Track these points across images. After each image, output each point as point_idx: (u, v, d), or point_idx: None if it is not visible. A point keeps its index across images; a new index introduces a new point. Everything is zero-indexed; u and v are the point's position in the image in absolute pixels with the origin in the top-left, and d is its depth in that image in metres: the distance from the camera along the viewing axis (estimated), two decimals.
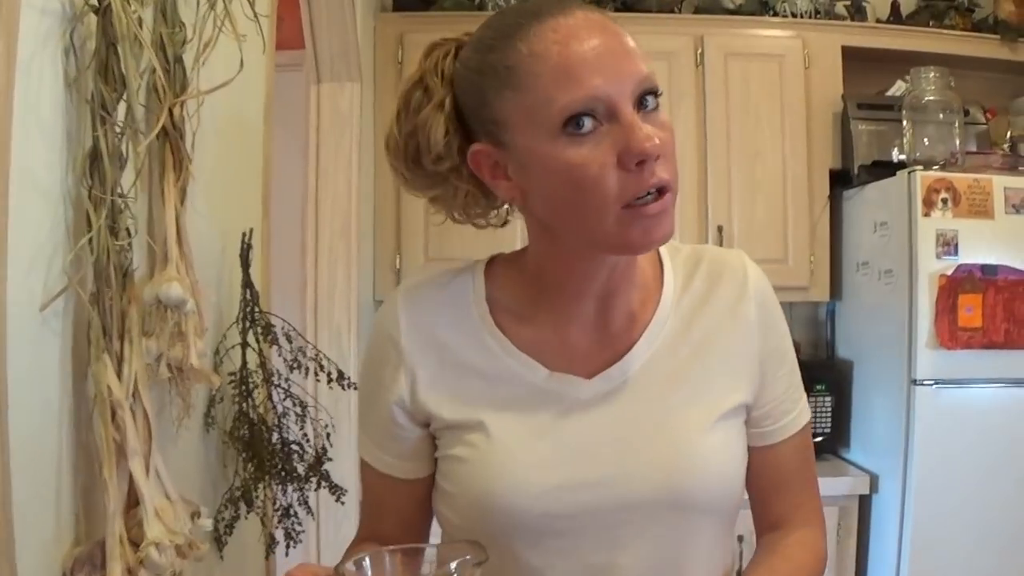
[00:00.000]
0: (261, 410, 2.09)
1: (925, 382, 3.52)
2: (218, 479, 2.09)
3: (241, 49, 1.76)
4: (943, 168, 3.65)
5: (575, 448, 1.31)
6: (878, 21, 4.44)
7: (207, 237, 1.97)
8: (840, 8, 4.40)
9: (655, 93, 1.22)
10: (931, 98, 3.84)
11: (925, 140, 3.81)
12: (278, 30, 4.03)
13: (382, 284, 4.09)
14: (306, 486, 2.16)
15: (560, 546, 1.31)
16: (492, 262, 1.44)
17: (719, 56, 4.17)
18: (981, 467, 3.52)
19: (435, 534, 1.44)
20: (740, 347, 1.40)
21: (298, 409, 2.16)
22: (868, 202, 3.99)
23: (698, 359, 1.38)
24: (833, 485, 3.75)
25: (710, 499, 1.34)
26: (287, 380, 2.17)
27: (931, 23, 4.37)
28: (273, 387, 2.14)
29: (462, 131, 1.31)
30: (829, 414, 4.03)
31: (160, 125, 1.55)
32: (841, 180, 4.19)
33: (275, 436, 2.12)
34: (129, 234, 1.48)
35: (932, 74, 3.86)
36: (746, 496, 1.45)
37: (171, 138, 1.65)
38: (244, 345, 2.07)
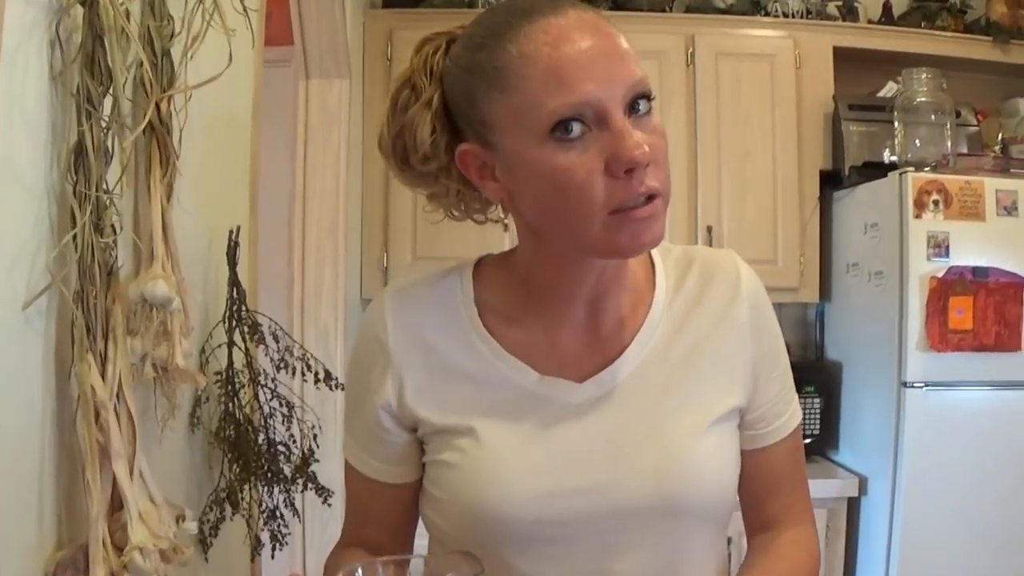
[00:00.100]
0: (247, 410, 2.06)
1: (915, 384, 3.50)
2: (203, 480, 2.06)
3: (230, 44, 1.73)
4: (934, 170, 3.63)
5: (566, 454, 1.29)
6: (870, 22, 4.42)
7: (193, 234, 1.94)
8: (832, 8, 4.39)
9: (647, 97, 1.19)
10: (923, 99, 3.83)
11: (917, 141, 3.81)
12: (268, 26, 4.00)
13: (369, 283, 4.07)
14: (292, 488, 2.13)
15: (552, 553, 1.28)
16: (480, 263, 1.41)
17: (710, 56, 4.15)
18: (971, 470, 3.50)
19: (421, 533, 1.42)
20: (733, 349, 1.38)
21: (285, 410, 2.13)
22: (859, 203, 3.97)
23: (691, 362, 1.35)
24: (822, 487, 3.74)
25: (704, 505, 1.31)
26: (273, 380, 2.14)
27: (923, 24, 4.36)
28: (260, 387, 2.11)
29: (451, 129, 1.28)
30: (818, 416, 4.02)
31: (147, 120, 1.51)
32: (832, 181, 4.18)
33: (261, 437, 2.09)
34: (114, 231, 1.45)
35: (924, 75, 3.85)
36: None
37: (158, 133, 1.62)
38: (230, 344, 2.04)
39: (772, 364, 1.42)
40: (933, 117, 3.83)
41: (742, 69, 4.15)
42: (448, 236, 3.70)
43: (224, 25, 1.68)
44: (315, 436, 2.19)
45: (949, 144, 3.79)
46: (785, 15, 4.28)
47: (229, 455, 2.02)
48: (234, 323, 2.05)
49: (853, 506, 3.81)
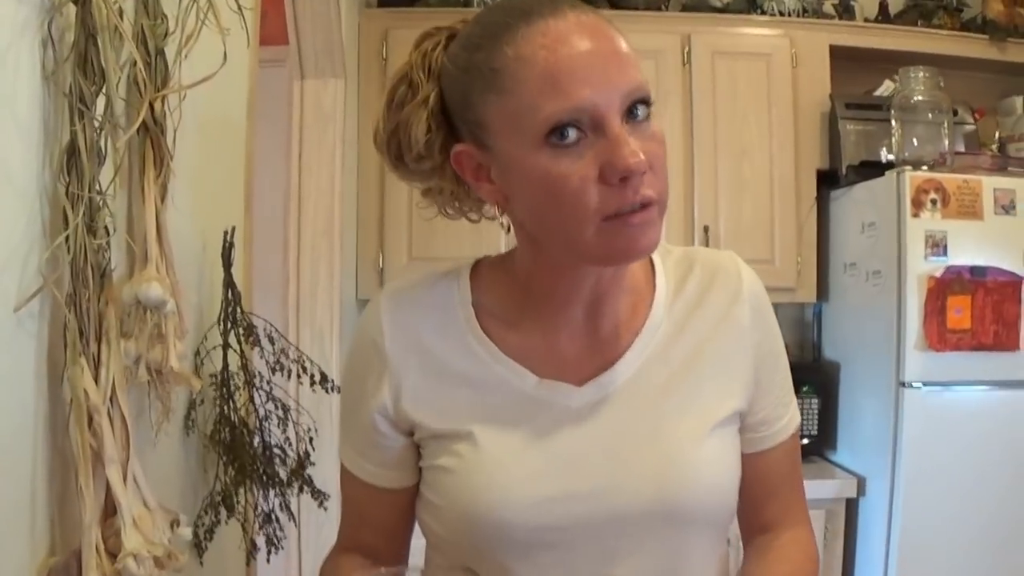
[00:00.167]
0: (242, 413, 2.04)
1: (914, 384, 3.49)
2: (198, 484, 2.04)
3: (224, 43, 1.71)
4: (932, 168, 3.62)
5: (566, 459, 1.27)
6: (866, 20, 4.42)
7: (188, 235, 1.92)
8: (828, 7, 4.38)
9: (646, 102, 1.17)
10: (920, 98, 3.82)
11: (914, 140, 3.79)
12: (262, 25, 3.99)
13: (365, 283, 4.05)
14: (288, 491, 2.11)
15: (550, 559, 1.26)
16: (478, 265, 1.39)
17: (706, 55, 4.14)
18: (970, 470, 3.49)
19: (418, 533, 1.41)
20: (734, 352, 1.36)
21: (280, 412, 2.11)
22: (856, 202, 3.96)
23: (692, 365, 1.33)
24: (820, 488, 3.73)
25: (705, 511, 1.30)
26: (269, 383, 2.12)
27: (919, 22, 4.35)
28: (255, 390, 2.09)
29: (447, 129, 1.26)
30: (816, 416, 4.01)
31: (140, 120, 1.50)
32: (829, 180, 4.17)
33: (256, 440, 2.07)
34: (107, 232, 1.42)
35: (921, 74, 3.84)
36: None
37: (152, 133, 1.60)
38: (225, 347, 2.02)
39: (773, 367, 1.41)
40: (930, 116, 3.82)
41: (738, 68, 4.14)
42: (444, 236, 3.74)
43: (219, 24, 1.66)
44: (311, 439, 2.17)
45: (946, 143, 3.78)
46: (781, 14, 4.27)
47: (224, 458, 2.00)
48: (229, 325, 2.03)
49: (851, 507, 3.80)
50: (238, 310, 2.05)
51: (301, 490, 2.14)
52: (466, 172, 1.25)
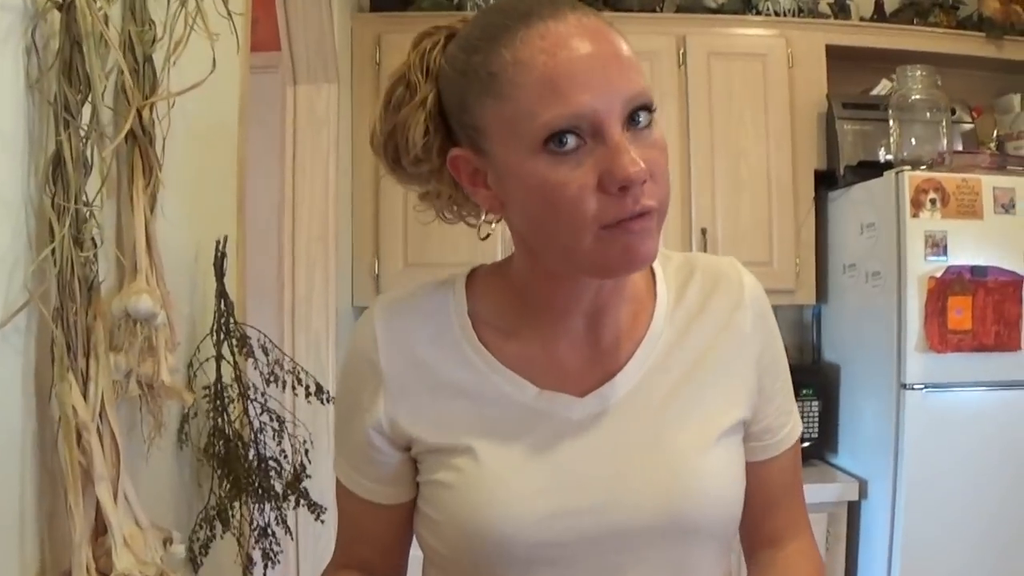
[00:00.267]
0: (237, 425, 2.00)
1: (915, 386, 3.46)
2: (193, 498, 2.00)
3: (214, 49, 1.68)
4: (930, 168, 3.60)
5: (568, 472, 1.23)
6: (862, 19, 4.40)
7: (179, 245, 1.89)
8: (824, 6, 4.35)
9: (648, 108, 1.13)
10: (918, 97, 3.79)
11: (912, 140, 3.77)
12: (254, 31, 3.97)
13: (361, 290, 4.01)
14: (284, 504, 2.08)
15: (552, 575, 1.23)
16: (474, 274, 1.35)
17: (702, 56, 4.11)
18: (973, 472, 3.46)
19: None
20: (737, 360, 1.33)
21: (275, 424, 2.08)
22: (854, 203, 3.93)
23: (694, 374, 1.30)
24: (821, 491, 3.70)
25: (711, 523, 1.26)
26: (263, 394, 2.09)
27: (915, 21, 4.33)
28: (249, 401, 2.05)
29: (445, 131, 1.23)
30: (816, 419, 3.97)
31: (127, 128, 1.46)
32: (826, 181, 4.14)
33: (251, 452, 2.04)
34: (95, 244, 1.39)
35: (919, 72, 3.81)
36: None
37: (140, 142, 1.57)
38: (219, 358, 1.99)
39: (775, 374, 1.38)
40: (928, 115, 3.80)
41: (734, 69, 4.11)
42: (440, 242, 3.72)
43: (207, 30, 1.62)
44: (306, 451, 2.14)
45: (945, 142, 3.75)
46: (777, 14, 4.24)
47: (219, 472, 1.97)
48: (222, 336, 1.99)
49: (853, 510, 3.77)
50: (231, 320, 2.01)
51: (297, 503, 2.11)
52: (463, 177, 1.22)
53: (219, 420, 1.96)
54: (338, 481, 1.38)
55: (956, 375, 3.48)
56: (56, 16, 1.36)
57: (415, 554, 1.39)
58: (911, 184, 3.49)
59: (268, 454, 2.08)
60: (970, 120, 4.28)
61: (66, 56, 1.35)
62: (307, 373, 2.14)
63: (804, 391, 3.89)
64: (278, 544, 2.09)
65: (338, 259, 3.79)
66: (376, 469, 1.32)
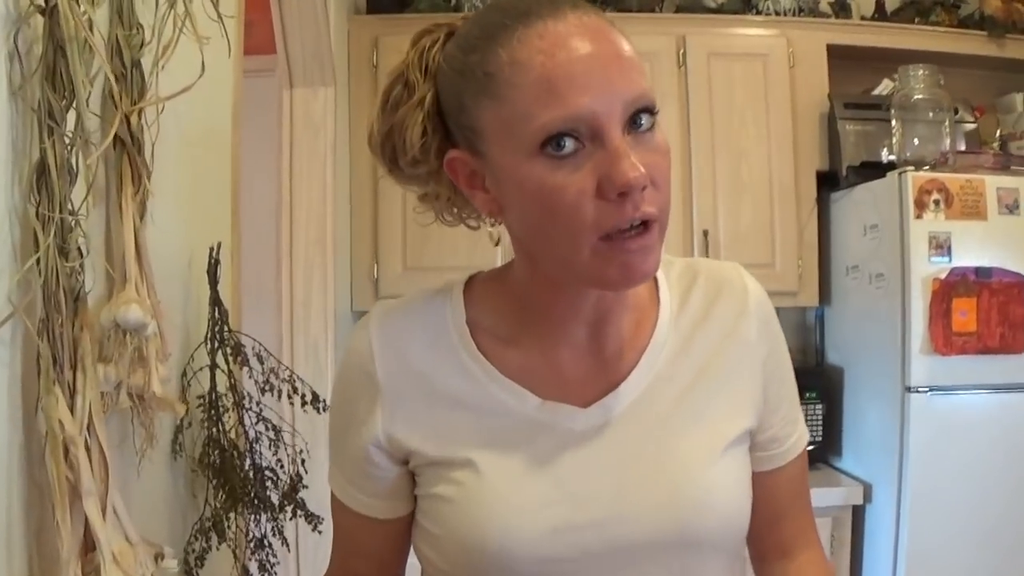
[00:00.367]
0: (232, 435, 1.97)
1: (919, 389, 3.43)
2: (188, 509, 1.97)
3: (204, 52, 1.64)
4: (933, 168, 3.57)
5: (571, 486, 1.20)
6: (863, 18, 4.37)
7: (172, 252, 1.86)
8: (824, 6, 4.33)
9: (651, 111, 1.10)
10: (920, 96, 3.76)
11: (915, 140, 3.74)
12: (250, 35, 3.95)
13: (360, 294, 3.99)
14: (280, 515, 2.04)
15: None
16: (471, 281, 1.32)
17: (702, 56, 4.08)
18: (978, 476, 3.43)
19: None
20: (743, 368, 1.30)
21: (271, 434, 2.04)
22: (857, 204, 3.90)
23: (699, 383, 1.27)
24: (825, 495, 3.66)
25: (718, 537, 1.23)
26: (258, 403, 2.05)
27: (917, 20, 4.31)
28: (244, 411, 2.02)
29: (444, 132, 1.19)
30: (820, 422, 3.94)
31: (112, 135, 1.43)
32: (829, 182, 4.11)
33: (247, 462, 2.00)
34: (80, 254, 1.35)
35: (921, 72, 3.79)
36: None
37: (128, 149, 1.53)
38: (213, 367, 1.95)
39: (781, 382, 1.35)
40: (931, 114, 3.77)
41: (735, 69, 4.08)
42: (439, 245, 3.69)
43: (196, 33, 1.59)
44: (303, 461, 2.10)
45: (948, 142, 3.72)
46: (777, 13, 4.22)
47: (214, 482, 1.93)
48: (216, 344, 1.96)
49: (858, 515, 3.74)
50: (225, 328, 1.98)
51: (294, 514, 2.07)
52: (460, 179, 1.19)
53: (214, 430, 1.93)
54: (333, 495, 1.35)
55: (961, 378, 3.45)
56: (40, 21, 1.33)
57: (412, 562, 1.36)
58: (914, 185, 3.46)
59: (264, 464, 2.05)
60: (972, 120, 4.26)
61: (50, 61, 1.32)
62: (303, 382, 2.11)
63: (807, 394, 3.85)
64: (275, 556, 2.05)
65: (336, 263, 3.76)
66: (373, 483, 1.29)
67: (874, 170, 3.82)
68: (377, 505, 1.30)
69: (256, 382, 2.07)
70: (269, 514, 2.01)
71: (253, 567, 2.06)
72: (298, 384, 2.09)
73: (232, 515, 1.96)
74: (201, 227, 2.06)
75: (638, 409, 1.24)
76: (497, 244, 1.27)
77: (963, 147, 4.01)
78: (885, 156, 3.90)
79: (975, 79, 4.37)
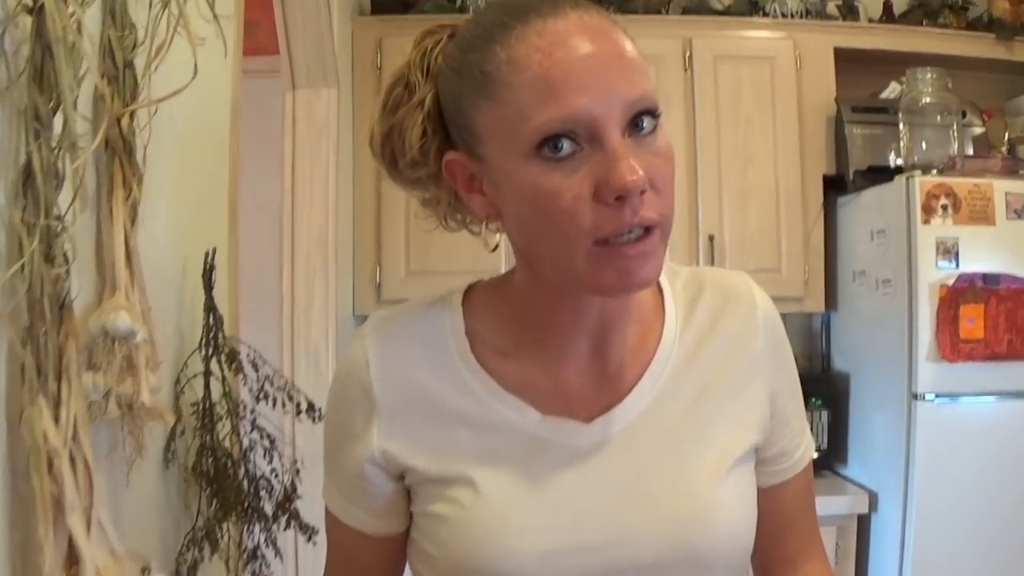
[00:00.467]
0: (226, 444, 1.94)
1: (926, 396, 3.40)
2: (180, 519, 1.94)
3: (200, 53, 1.61)
4: (941, 173, 3.53)
5: (574, 505, 1.16)
6: (870, 21, 4.34)
7: (165, 257, 1.83)
8: (831, 8, 4.30)
9: (653, 113, 1.06)
10: (928, 100, 3.74)
11: (923, 143, 3.71)
12: (254, 35, 3.93)
13: (362, 298, 3.96)
14: (274, 525, 2.01)
15: None
16: (471, 290, 1.28)
17: (708, 58, 4.05)
18: (985, 484, 3.40)
19: None
20: (750, 382, 1.26)
21: (266, 442, 2.01)
22: (864, 209, 3.87)
23: (705, 398, 1.23)
24: (831, 504, 3.63)
25: (724, 558, 1.19)
26: (253, 412, 2.02)
27: (924, 22, 4.27)
28: (239, 419, 1.99)
29: (444, 134, 1.16)
30: (826, 429, 3.91)
31: (99, 138, 1.39)
32: (836, 186, 4.08)
33: (241, 471, 1.97)
34: (67, 260, 1.32)
35: (929, 75, 3.76)
36: None
37: (119, 152, 1.50)
38: (207, 374, 1.92)
39: (789, 395, 1.31)
40: (939, 118, 3.75)
41: (741, 72, 4.06)
42: (443, 250, 3.66)
43: (188, 33, 1.55)
44: (298, 471, 2.06)
45: (956, 146, 3.69)
46: (784, 15, 4.19)
47: (207, 491, 1.90)
48: (210, 351, 1.93)
49: (863, 523, 3.71)
50: (220, 335, 1.95)
51: (288, 524, 2.04)
52: (458, 182, 1.16)
53: (207, 438, 1.89)
54: (327, 509, 1.31)
55: (968, 385, 3.42)
56: (27, 21, 1.29)
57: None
58: (922, 189, 3.43)
59: (259, 473, 2.01)
60: (981, 123, 4.22)
61: (37, 63, 1.28)
62: (298, 390, 2.07)
63: (813, 400, 3.83)
64: (268, 566, 2.02)
65: (339, 267, 3.73)
66: (368, 500, 1.25)
67: (881, 174, 3.78)
68: (372, 521, 1.27)
69: (250, 390, 2.03)
70: (263, 524, 1.98)
71: None
72: (293, 392, 2.06)
73: (225, 525, 1.93)
74: (197, 231, 2.03)
75: (643, 425, 1.20)
76: (494, 250, 1.24)
77: (971, 151, 3.99)
78: (893, 160, 3.87)
79: (983, 82, 4.34)
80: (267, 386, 2.02)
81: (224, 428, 1.95)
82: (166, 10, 1.56)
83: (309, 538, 2.05)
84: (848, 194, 3.99)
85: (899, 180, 3.55)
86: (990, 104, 4.31)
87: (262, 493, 1.99)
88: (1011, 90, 4.35)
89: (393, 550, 1.29)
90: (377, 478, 1.22)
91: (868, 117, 4.01)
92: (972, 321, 3.38)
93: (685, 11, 4.26)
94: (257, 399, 2.02)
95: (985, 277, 3.41)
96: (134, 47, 1.55)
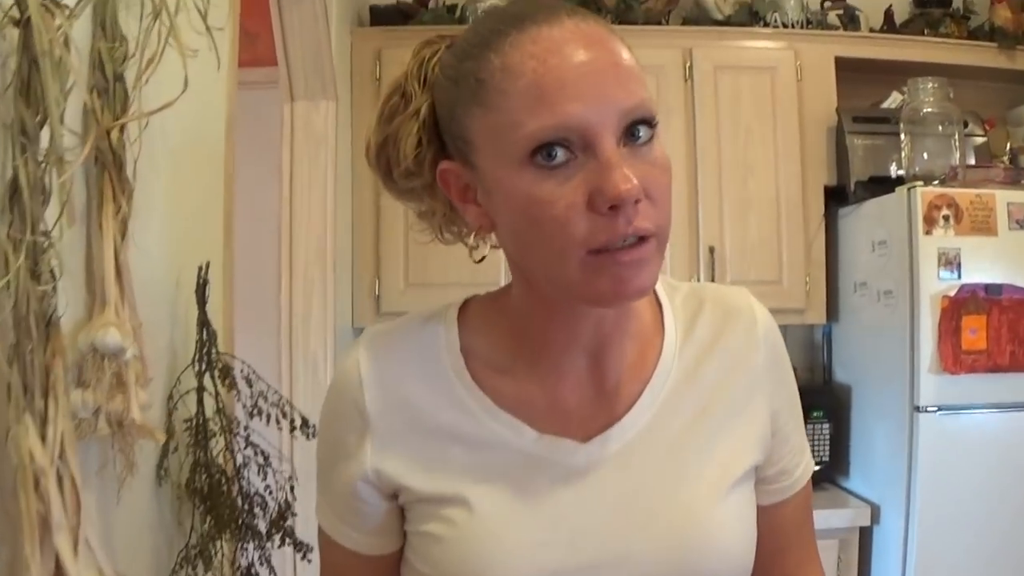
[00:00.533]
0: (220, 460, 1.92)
1: (928, 408, 3.36)
2: (173, 536, 1.91)
3: (194, 65, 1.59)
4: (943, 183, 3.51)
5: (570, 526, 1.13)
6: (871, 30, 4.32)
7: (158, 272, 1.81)
8: (832, 18, 4.27)
9: (649, 123, 1.04)
10: (930, 110, 3.71)
11: (924, 154, 3.68)
12: (254, 46, 3.93)
13: (361, 310, 3.93)
14: (268, 543, 1.98)
15: None
16: (467, 305, 1.25)
17: (708, 69, 4.03)
18: (988, 497, 3.36)
19: None
20: (750, 400, 1.24)
21: (260, 459, 1.99)
22: (866, 220, 3.84)
23: (705, 416, 1.21)
24: (832, 517, 3.60)
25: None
26: (246, 428, 2.00)
27: (926, 32, 4.25)
28: (233, 435, 1.96)
29: (438, 144, 1.14)
30: (827, 441, 3.87)
31: (86, 152, 1.37)
32: (837, 197, 4.05)
33: (235, 488, 1.94)
34: (53, 277, 1.30)
35: (930, 85, 3.73)
36: None
37: (108, 166, 1.48)
38: (200, 390, 1.90)
39: (789, 413, 1.29)
40: (940, 128, 3.72)
41: (742, 82, 4.04)
42: (442, 261, 3.63)
43: (179, 46, 1.53)
44: (292, 488, 2.04)
45: (957, 156, 3.67)
46: (785, 26, 4.16)
47: (200, 508, 1.88)
48: (203, 367, 1.91)
49: (865, 536, 3.67)
50: (213, 350, 1.93)
51: (283, 542, 2.01)
52: (452, 192, 1.14)
53: (200, 454, 1.87)
54: (320, 528, 1.29)
55: (971, 397, 3.39)
56: (14, 33, 1.28)
57: None
58: (923, 200, 3.40)
59: (253, 490, 1.99)
60: (982, 133, 4.20)
61: (24, 76, 1.27)
62: (292, 406, 2.05)
63: (814, 413, 3.79)
64: None
65: (338, 279, 3.71)
66: (362, 519, 1.23)
67: (883, 185, 3.76)
68: (366, 541, 1.24)
69: (244, 406, 2.01)
70: (257, 542, 1.95)
71: None
72: (287, 408, 2.04)
73: (219, 542, 1.91)
74: (191, 245, 2.01)
75: (641, 444, 1.18)
76: (480, 261, 1.22)
77: (973, 161, 3.97)
78: (894, 171, 3.85)
79: (985, 91, 4.32)
80: (261, 402, 2.00)
81: (218, 444, 1.93)
82: (157, 21, 1.54)
83: (304, 555, 2.02)
84: (849, 205, 3.96)
85: (900, 191, 3.53)
86: (992, 114, 4.28)
87: (256, 510, 1.97)
88: (1013, 99, 4.33)
89: (387, 570, 1.26)
90: (370, 497, 1.20)
91: (869, 127, 3.99)
92: (974, 332, 3.36)
93: (685, 21, 4.24)
94: (251, 415, 2.00)
95: (987, 288, 3.38)
96: (125, 59, 1.53)
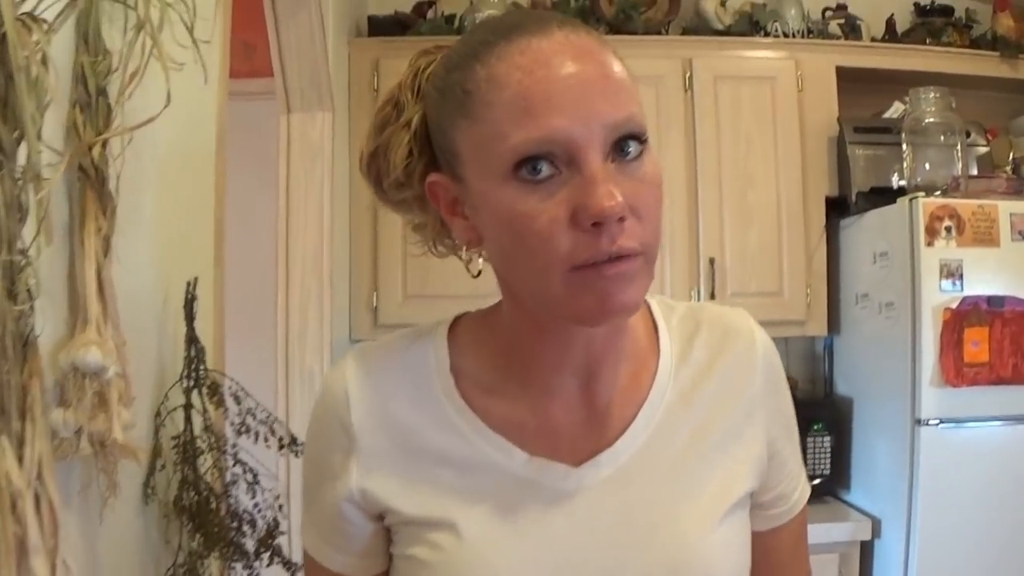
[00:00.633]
0: (208, 478, 1.89)
1: (930, 421, 3.34)
2: (161, 555, 1.89)
3: (180, 79, 1.57)
4: (945, 194, 3.49)
5: (560, 551, 1.11)
6: (873, 40, 4.30)
7: (145, 289, 1.79)
8: (833, 27, 4.25)
9: (638, 138, 1.01)
10: (932, 120, 3.69)
11: (926, 164, 3.66)
12: (252, 57, 3.92)
13: (358, 323, 3.91)
14: (256, 562, 1.96)
15: None
16: (457, 323, 1.23)
17: (708, 79, 4.01)
18: (990, 510, 3.34)
19: None
20: (747, 425, 1.22)
21: (249, 477, 1.96)
22: (867, 231, 3.82)
23: (700, 442, 1.18)
24: (833, 531, 3.58)
25: None
26: (234, 445, 1.97)
27: (928, 41, 4.24)
28: (221, 453, 1.94)
29: (429, 156, 1.12)
30: (828, 454, 3.84)
31: (63, 168, 1.35)
32: (838, 208, 4.03)
33: (224, 506, 1.92)
34: (31, 296, 1.27)
35: (932, 94, 3.71)
36: None
37: (91, 182, 1.46)
38: (188, 407, 1.87)
39: (787, 439, 1.27)
40: (943, 138, 3.70)
41: (742, 92, 4.01)
42: (440, 274, 3.57)
43: (162, 60, 1.51)
44: (280, 506, 2.01)
45: (960, 166, 3.64)
46: (785, 35, 4.14)
47: (188, 526, 1.85)
48: (191, 384, 1.88)
49: (866, 550, 3.64)
50: (202, 367, 1.90)
51: (271, 560, 1.99)
52: (441, 205, 1.12)
53: (188, 472, 1.85)
54: (305, 550, 1.27)
55: (973, 409, 3.36)
56: None
57: None
58: (925, 211, 3.38)
59: (242, 508, 1.96)
60: (985, 143, 4.18)
61: (1, 92, 1.24)
62: (279, 423, 2.03)
63: (815, 425, 3.76)
64: None
65: (335, 292, 3.69)
66: (347, 540, 1.20)
67: (884, 196, 3.74)
68: (351, 563, 1.22)
69: (232, 423, 1.99)
70: (245, 561, 1.93)
71: None
72: (275, 426, 2.01)
73: (207, 561, 1.88)
74: (179, 260, 1.98)
75: (634, 469, 1.15)
76: (477, 276, 1.19)
77: (975, 171, 3.94)
78: (896, 181, 3.83)
79: (987, 101, 4.30)
80: (249, 419, 1.97)
81: (206, 462, 1.91)
82: (141, 35, 1.51)
83: (292, 574, 2.00)
84: (850, 216, 3.94)
85: (902, 202, 3.51)
86: (994, 123, 4.27)
87: (245, 528, 1.95)
88: (1016, 109, 4.31)
89: None
90: (356, 518, 1.18)
91: (871, 137, 3.97)
92: (977, 344, 3.33)
93: (685, 31, 4.24)
94: (239, 432, 1.97)
95: (990, 300, 3.36)
96: (108, 73, 1.50)
